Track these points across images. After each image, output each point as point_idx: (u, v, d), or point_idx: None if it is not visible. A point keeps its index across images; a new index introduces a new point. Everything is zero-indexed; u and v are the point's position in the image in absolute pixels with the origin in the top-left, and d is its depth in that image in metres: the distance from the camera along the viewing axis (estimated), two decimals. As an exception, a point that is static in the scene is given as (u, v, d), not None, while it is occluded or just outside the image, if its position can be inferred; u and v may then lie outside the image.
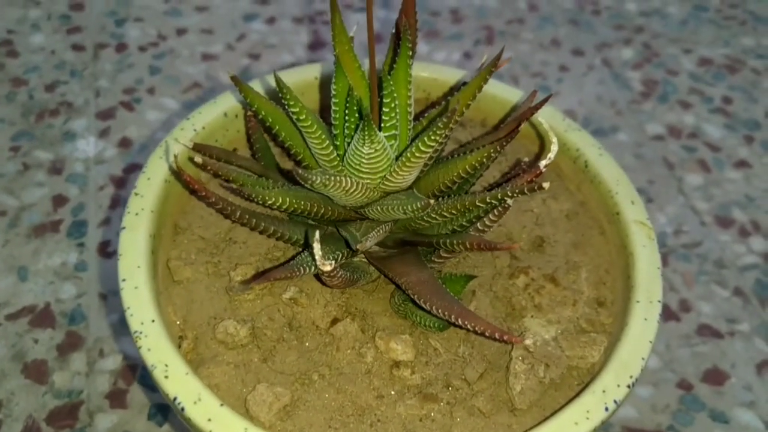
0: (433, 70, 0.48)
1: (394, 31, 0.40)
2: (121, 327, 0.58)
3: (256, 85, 0.45)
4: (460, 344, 0.38)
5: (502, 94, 0.47)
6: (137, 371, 0.56)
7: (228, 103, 0.45)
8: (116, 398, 0.55)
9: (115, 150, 0.70)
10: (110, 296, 0.60)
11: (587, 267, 0.42)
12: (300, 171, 0.32)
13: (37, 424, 0.53)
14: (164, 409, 0.54)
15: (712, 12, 0.91)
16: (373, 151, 0.34)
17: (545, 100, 0.38)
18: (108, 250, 0.63)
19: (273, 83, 0.46)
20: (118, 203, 0.66)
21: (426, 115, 0.39)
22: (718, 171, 0.74)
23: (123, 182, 0.68)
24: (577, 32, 0.87)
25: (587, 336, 0.39)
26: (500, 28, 0.87)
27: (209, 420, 0.33)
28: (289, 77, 0.46)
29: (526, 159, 0.41)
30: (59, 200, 0.66)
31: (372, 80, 0.34)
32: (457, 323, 0.33)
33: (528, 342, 0.38)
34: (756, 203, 0.71)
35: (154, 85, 0.77)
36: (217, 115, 0.44)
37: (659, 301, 0.38)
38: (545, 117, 0.46)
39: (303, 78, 0.47)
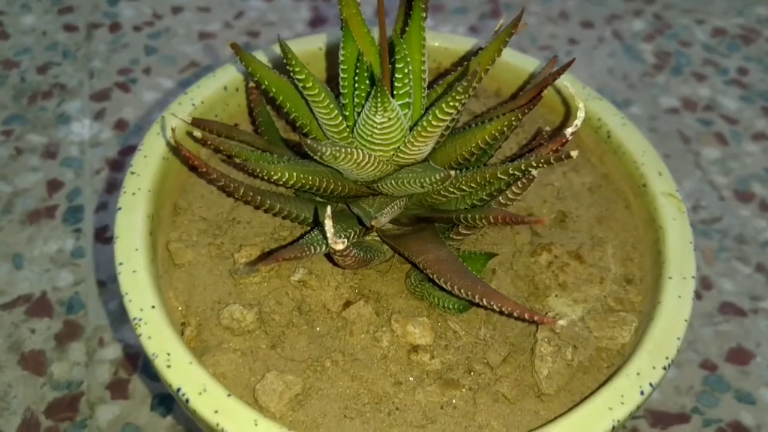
0: (443, 39, 0.46)
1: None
2: (120, 315, 0.56)
3: (259, 56, 0.43)
4: (480, 326, 0.36)
5: (516, 62, 0.45)
6: (139, 360, 0.54)
7: (228, 76, 0.42)
8: (117, 389, 0.52)
9: (111, 132, 0.68)
10: (109, 283, 0.58)
11: (613, 243, 0.39)
12: (309, 142, 0.29)
13: (36, 417, 0.51)
14: (168, 399, 0.52)
15: (725, -19, 0.88)
16: (386, 120, 0.31)
17: (568, 65, 0.35)
18: (106, 236, 0.61)
19: (276, 53, 0.43)
20: (114, 187, 0.64)
21: (440, 82, 0.36)
22: (735, 144, 0.71)
23: (119, 165, 0.66)
24: (586, 4, 0.84)
25: (616, 315, 0.36)
26: (506, 0, 0.84)
27: (216, 411, 0.30)
28: (293, 47, 0.44)
29: (548, 128, 0.39)
30: (54, 185, 0.64)
31: (383, 44, 0.31)
32: (481, 303, 0.31)
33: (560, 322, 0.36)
34: (776, 176, 0.68)
35: (149, 65, 0.74)
36: (217, 89, 0.42)
37: (693, 277, 0.36)
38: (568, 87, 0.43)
39: (307, 48, 0.44)
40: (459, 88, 0.30)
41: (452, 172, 0.30)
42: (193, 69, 0.74)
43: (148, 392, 0.52)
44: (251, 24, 0.79)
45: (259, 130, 0.40)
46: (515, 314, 0.30)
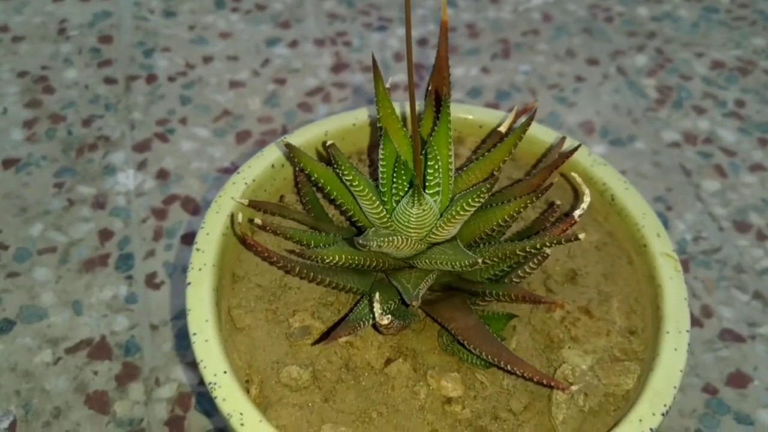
0: (463, 110, 0.51)
1: (428, 87, 0.43)
2: (173, 356, 0.62)
3: (304, 133, 0.48)
4: (503, 377, 0.41)
5: (540, 136, 0.50)
6: (192, 397, 0.60)
7: (274, 154, 0.48)
8: (175, 425, 0.58)
9: (154, 182, 0.74)
10: (161, 326, 0.64)
11: (618, 297, 0.45)
12: (360, 240, 0.35)
13: (104, 453, 0.56)
14: (221, 434, 0.57)
15: (723, 13, 0.93)
16: (421, 211, 0.37)
17: (574, 150, 0.40)
18: (155, 281, 0.66)
19: (314, 132, 0.49)
20: (160, 235, 0.70)
21: (465, 168, 0.42)
22: (734, 176, 0.76)
23: (163, 214, 0.71)
24: (591, 41, 0.89)
25: (621, 365, 0.42)
26: (516, 40, 0.89)
27: (283, 463, 0.36)
28: (330, 124, 0.49)
29: (559, 202, 0.44)
30: (105, 234, 0.70)
31: (416, 148, 0.37)
32: (506, 369, 0.36)
33: (567, 372, 0.41)
34: (772, 206, 0.73)
35: (185, 115, 0.80)
36: (266, 167, 0.47)
37: (687, 331, 0.41)
38: (575, 155, 0.48)
39: (341, 125, 0.50)
40: (482, 189, 0.35)
41: (479, 260, 0.36)
42: (226, 118, 0.79)
43: (202, 427, 0.58)
44: (277, 71, 0.84)
45: (306, 207, 0.45)
46: (535, 380, 0.36)
